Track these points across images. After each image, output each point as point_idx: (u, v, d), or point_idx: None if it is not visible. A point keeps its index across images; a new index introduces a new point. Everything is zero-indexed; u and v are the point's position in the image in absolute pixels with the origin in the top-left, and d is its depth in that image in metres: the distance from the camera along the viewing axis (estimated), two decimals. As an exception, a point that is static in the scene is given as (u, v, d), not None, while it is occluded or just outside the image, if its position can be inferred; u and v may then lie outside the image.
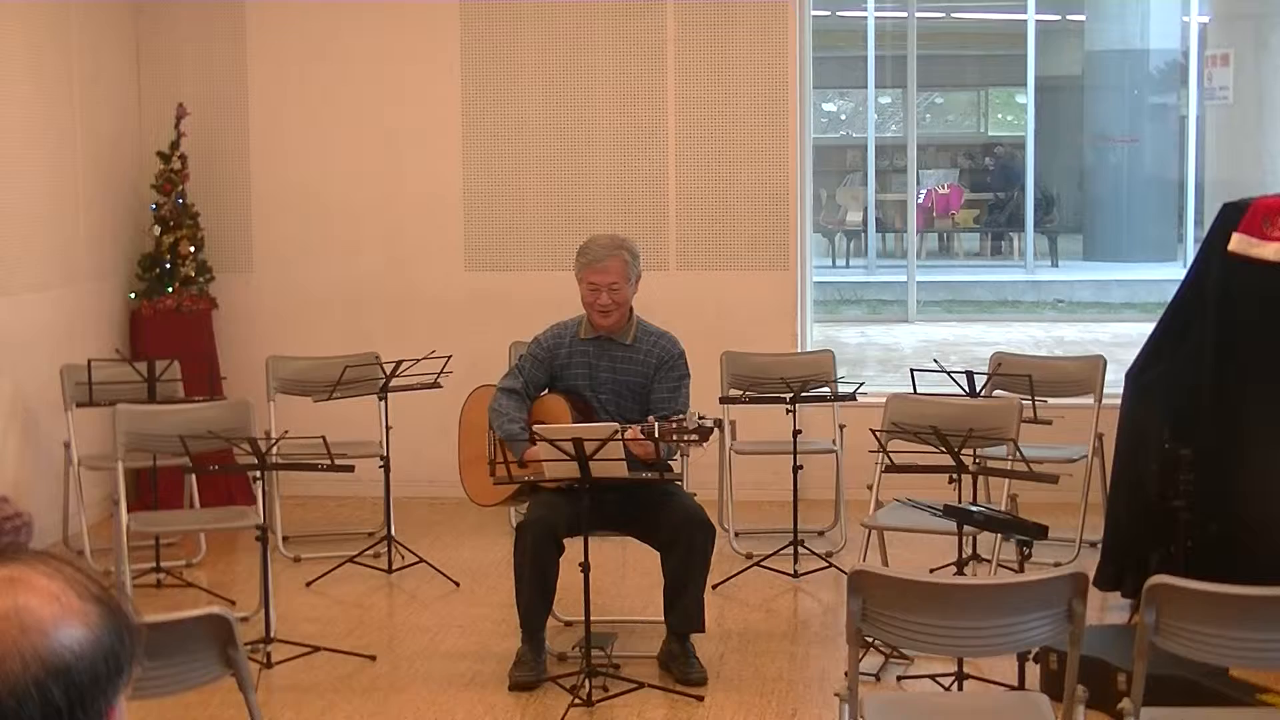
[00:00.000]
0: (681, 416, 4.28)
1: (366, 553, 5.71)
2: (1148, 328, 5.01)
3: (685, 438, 4.22)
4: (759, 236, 6.84)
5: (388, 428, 5.71)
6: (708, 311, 6.74)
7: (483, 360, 6.02)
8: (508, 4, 6.76)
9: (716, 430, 4.30)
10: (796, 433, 5.46)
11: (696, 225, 6.87)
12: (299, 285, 7.01)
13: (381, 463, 5.63)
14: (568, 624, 4.78)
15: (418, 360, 5.62)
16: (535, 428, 4.21)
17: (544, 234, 6.91)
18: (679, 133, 6.81)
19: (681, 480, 4.76)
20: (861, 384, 5.66)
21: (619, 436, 4.05)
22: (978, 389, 5.56)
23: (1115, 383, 5.29)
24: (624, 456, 4.08)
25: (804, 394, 5.51)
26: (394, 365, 5.66)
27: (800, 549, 5.52)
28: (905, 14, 12.52)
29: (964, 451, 4.28)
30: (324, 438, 4.48)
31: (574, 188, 6.88)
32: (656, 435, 4.23)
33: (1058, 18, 15.76)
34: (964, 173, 16.76)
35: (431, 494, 6.59)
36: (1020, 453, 4.35)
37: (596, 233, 4.72)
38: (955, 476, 4.30)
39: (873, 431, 4.64)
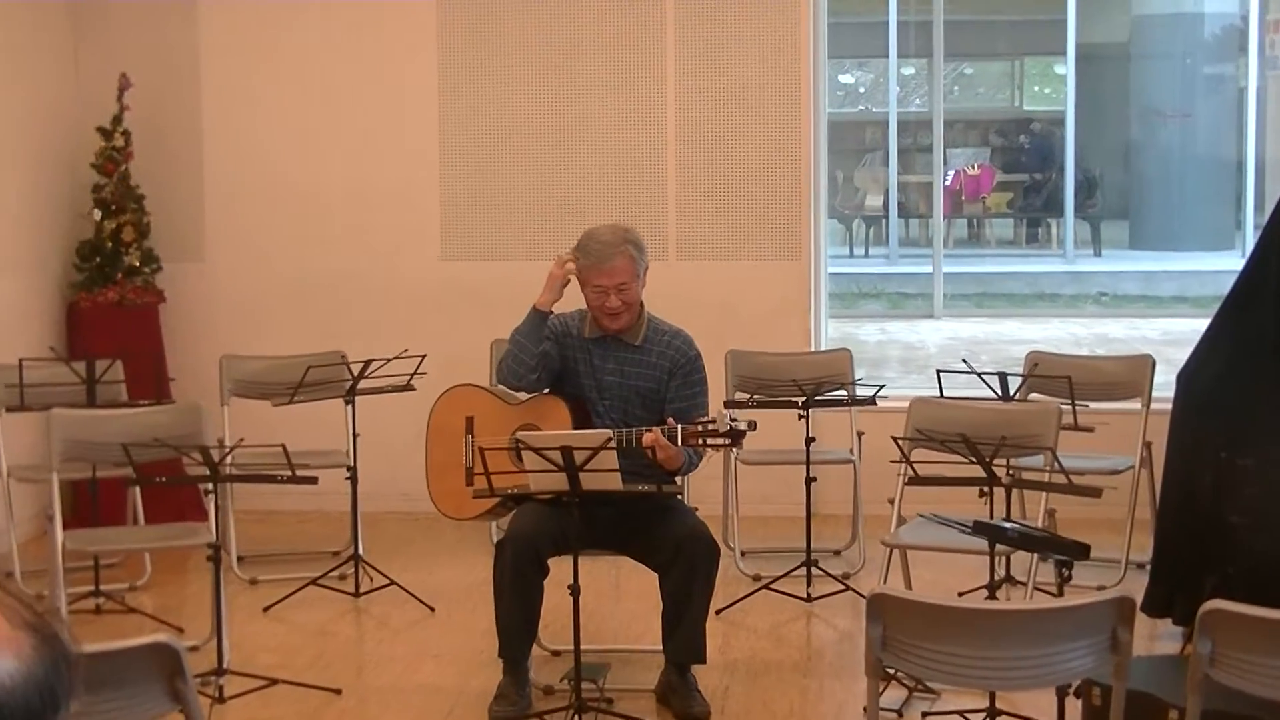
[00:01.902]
0: (708, 418, 4.29)
1: (331, 574, 5.74)
2: (1201, 324, 4.98)
3: (713, 441, 4.22)
4: (768, 223, 6.84)
5: (355, 435, 5.72)
6: (711, 306, 6.74)
7: (460, 360, 6.01)
8: (490, -31, 6.82)
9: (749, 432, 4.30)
10: (810, 441, 5.46)
11: (698, 210, 6.87)
12: (257, 276, 7.01)
13: (348, 474, 5.65)
14: (555, 653, 4.76)
15: (388, 360, 5.62)
16: (520, 435, 4.21)
17: (529, 220, 6.91)
18: (679, 107, 6.82)
19: (681, 494, 4.75)
20: (882, 386, 5.66)
21: (611, 445, 4.04)
22: (1011, 392, 5.58)
23: (1165, 385, 5.31)
24: (617, 467, 4.08)
25: (818, 398, 5.52)
26: (362, 365, 5.66)
27: (814, 570, 5.54)
28: (931, -26, 12.57)
29: (996, 462, 4.28)
30: (284, 446, 4.48)
31: (562, 169, 6.89)
32: (679, 437, 4.23)
33: (1101, -22, 15.82)
34: (996, 152, 16.78)
35: (404, 508, 6.61)
36: (1059, 463, 4.34)
37: (593, 225, 4.69)
38: (986, 490, 4.30)
39: (894, 439, 4.63)
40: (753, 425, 4.28)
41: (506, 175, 6.90)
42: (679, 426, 4.25)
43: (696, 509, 4.57)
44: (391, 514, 6.63)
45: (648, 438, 4.25)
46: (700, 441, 4.26)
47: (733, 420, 4.23)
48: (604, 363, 4.56)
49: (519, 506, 4.47)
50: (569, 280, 4.53)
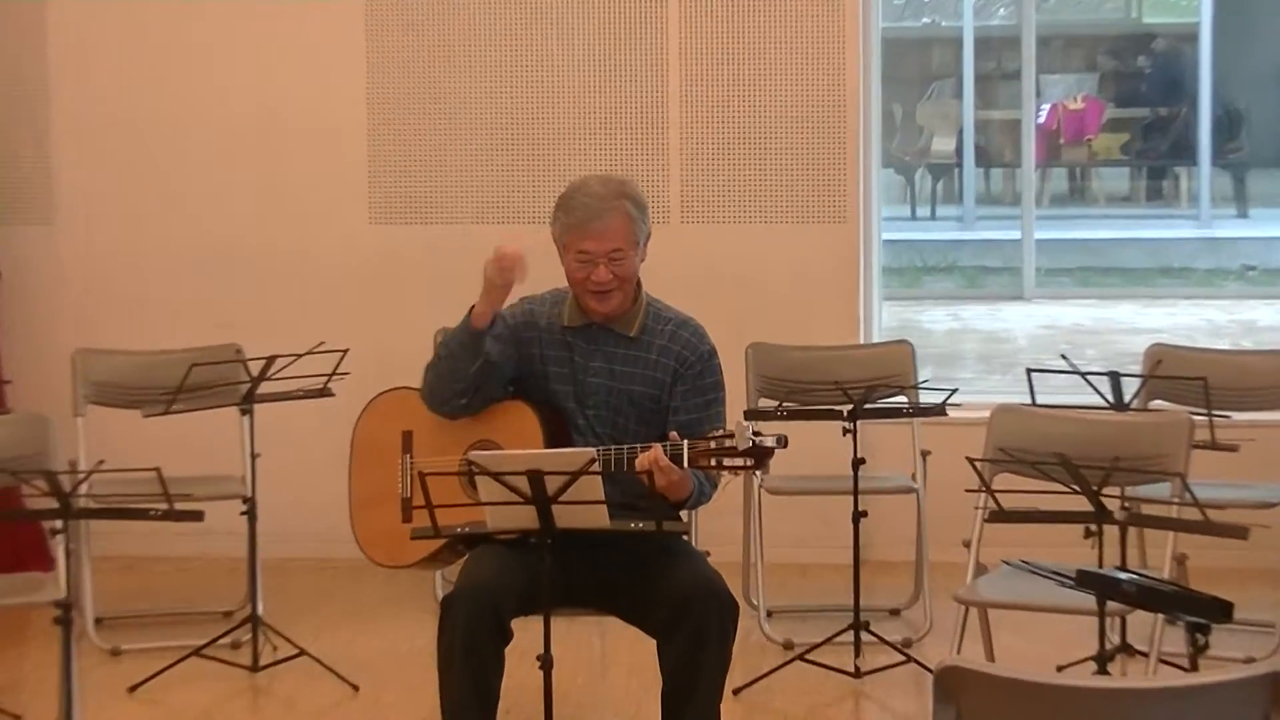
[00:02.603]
0: (722, 432, 4.26)
1: (221, 641, 5.73)
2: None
3: (730, 462, 4.20)
4: (801, 174, 6.86)
5: (254, 456, 5.70)
6: (725, 284, 6.77)
7: (395, 356, 5.96)
8: None
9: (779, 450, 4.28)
10: (858, 463, 5.46)
11: (709, 157, 6.89)
12: (123, 246, 7.04)
13: (245, 507, 5.65)
14: (520, 746, 4.81)
15: (299, 356, 5.61)
16: (473, 455, 4.19)
17: (484, 172, 6.94)
18: (683, 18, 6.86)
19: (688, 533, 4.74)
20: (954, 391, 5.62)
21: (595, 468, 4.03)
22: (1127, 398, 5.60)
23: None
24: (603, 498, 4.06)
25: (869, 406, 5.52)
26: (264, 363, 5.65)
27: (864, 635, 5.53)
28: None
29: (1107, 491, 4.27)
30: (158, 470, 4.45)
31: (527, 106, 6.96)
32: (685, 457, 4.21)
33: None
34: (1106, 78, 16.72)
35: (319, 553, 6.63)
36: (1191, 494, 4.33)
37: (571, 175, 4.68)
38: (1094, 528, 4.29)
39: (971, 461, 4.62)
40: (783, 441, 4.26)
41: (453, 116, 6.96)
42: (685, 443, 4.23)
43: (708, 554, 4.55)
44: (302, 561, 6.65)
45: (644, 458, 4.23)
46: (713, 463, 4.24)
47: (756, 435, 4.21)
48: (588, 360, 4.55)
49: (472, 550, 4.45)
50: (513, 282, 4.49)
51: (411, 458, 4.61)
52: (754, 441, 4.19)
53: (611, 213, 4.48)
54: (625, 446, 4.35)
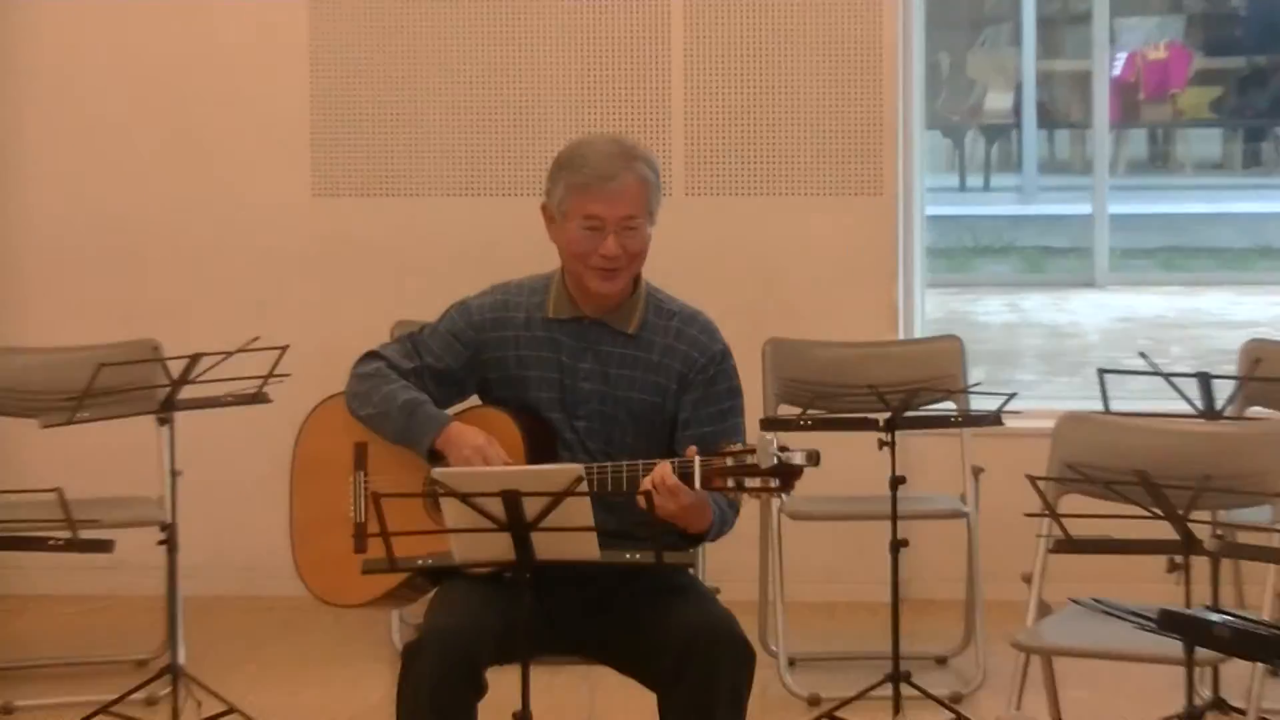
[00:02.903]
0: (740, 446, 4.24)
1: (135, 696, 5.65)
2: None
3: (753, 484, 4.18)
4: (830, 138, 6.86)
5: (175, 473, 5.71)
6: (738, 269, 6.81)
7: (344, 353, 5.77)
8: None
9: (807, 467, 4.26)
10: (897, 482, 5.47)
11: (720, 119, 6.90)
12: (16, 220, 7.02)
13: (163, 536, 5.63)
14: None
15: (228, 354, 5.58)
16: (436, 472, 4.19)
17: (446, 137, 6.95)
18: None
19: (694, 565, 4.74)
20: (1012, 396, 5.62)
21: (580, 488, 4.02)
22: (1219, 404, 5.61)
23: None
24: (592, 524, 4.06)
25: (909, 414, 5.53)
26: (187, 363, 5.62)
27: (904, 688, 5.52)
28: None
29: (1195, 515, 4.27)
30: (59, 492, 4.45)
31: (504, 52, 6.97)
32: (697, 477, 4.19)
33: None
34: (1194, 23, 16.73)
35: (251, 590, 6.64)
36: (1296, 518, 4.34)
37: (548, 138, 4.68)
38: (1179, 560, 4.29)
39: (1032, 480, 4.62)
40: (814, 458, 4.24)
41: (413, 71, 6.97)
42: (696, 460, 4.22)
43: (717, 591, 4.55)
44: (232, 600, 6.65)
45: (654, 475, 4.22)
46: (729, 484, 4.22)
47: (782, 450, 4.20)
48: (577, 361, 4.54)
49: (438, 587, 4.46)
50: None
51: (366, 475, 4.61)
52: (779, 458, 4.17)
53: (626, 172, 4.47)
54: (624, 464, 4.34)
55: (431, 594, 4.48)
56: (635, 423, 4.53)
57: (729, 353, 4.58)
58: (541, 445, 4.48)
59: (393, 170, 7.03)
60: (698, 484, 4.20)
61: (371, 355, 4.64)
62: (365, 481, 4.58)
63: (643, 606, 4.40)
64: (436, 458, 4.43)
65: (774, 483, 4.18)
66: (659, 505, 4.18)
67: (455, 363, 4.59)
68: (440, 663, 4.28)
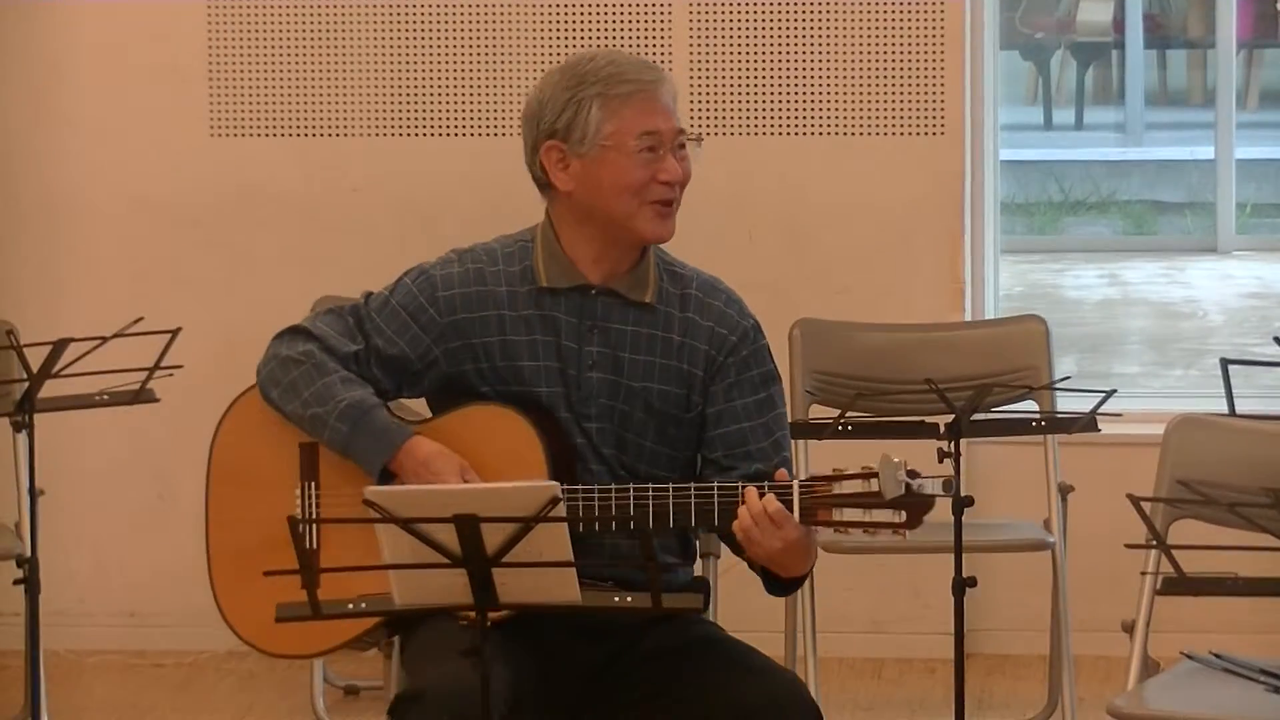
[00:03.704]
0: (861, 471, 4.23)
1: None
2: None
3: (876, 518, 4.18)
4: (877, 63, 6.91)
5: (35, 493, 5.73)
6: (761, 229, 6.83)
7: (253, 339, 5.82)
8: None
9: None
10: (963, 504, 5.47)
11: (735, 40, 6.95)
12: None
13: (21, 573, 5.65)
14: None
15: (103, 340, 5.58)
16: (369, 491, 4.20)
17: (389, 51, 6.99)
18: None
19: (702, 610, 4.76)
20: (1111, 393, 5.60)
21: (557, 511, 4.03)
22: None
23: None
24: (570, 557, 4.06)
25: (978, 417, 5.54)
26: (49, 351, 5.64)
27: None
28: None
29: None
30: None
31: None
32: (796, 506, 4.20)
33: None
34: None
35: (135, 643, 6.67)
36: None
37: (529, 67, 4.68)
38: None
39: (1134, 501, 4.62)
40: (951, 485, 4.26)
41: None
42: (795, 485, 4.23)
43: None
44: (109, 655, 6.67)
45: (750, 503, 4.21)
46: (837, 517, 4.22)
47: (911, 476, 4.18)
48: (581, 343, 4.55)
49: (416, 631, 4.46)
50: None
51: (318, 486, 4.61)
52: (908, 485, 4.17)
53: (666, 82, 4.52)
54: (672, 487, 4.31)
55: (402, 648, 4.49)
56: (655, 423, 4.53)
57: (761, 329, 4.60)
58: (563, 455, 4.47)
59: (313, 106, 7.04)
60: (796, 517, 4.21)
61: (299, 331, 4.62)
62: (318, 494, 4.59)
63: (676, 668, 4.41)
64: (391, 478, 4.44)
65: (901, 517, 4.19)
66: (758, 541, 4.17)
67: (412, 350, 4.56)
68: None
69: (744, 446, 4.38)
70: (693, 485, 4.26)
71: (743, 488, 4.21)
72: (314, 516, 4.35)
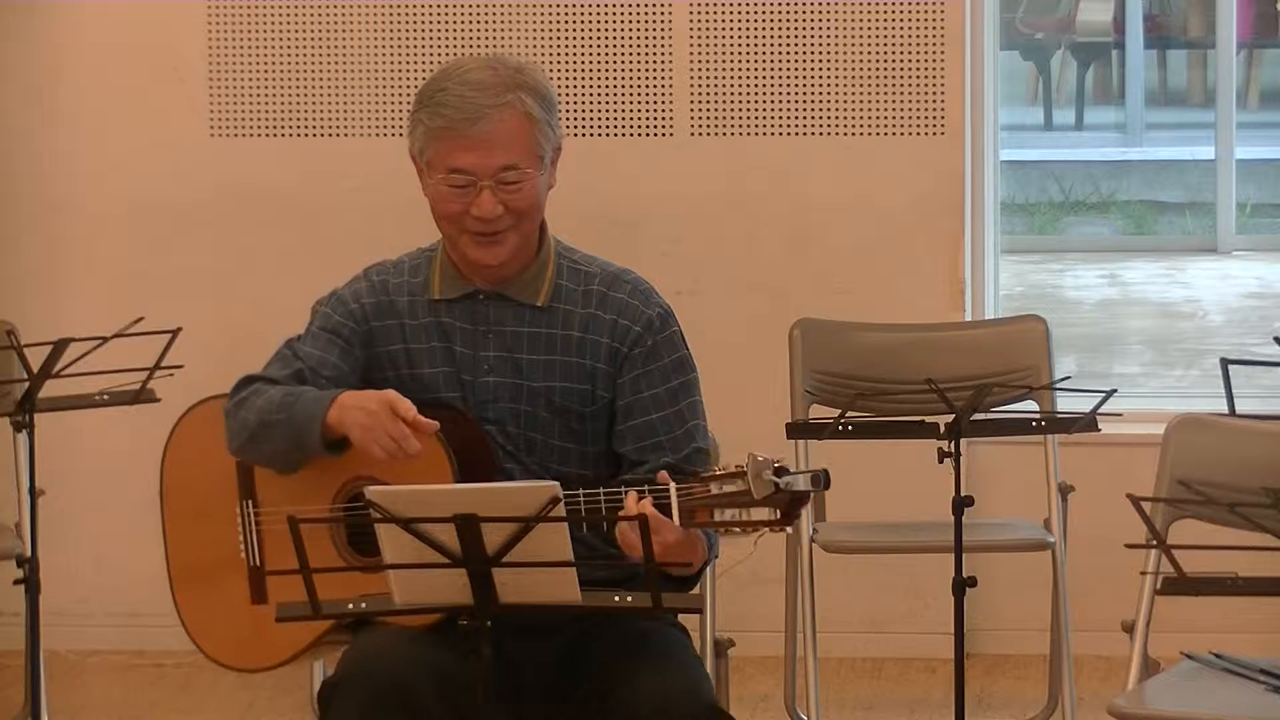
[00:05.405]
0: (730, 468, 4.23)
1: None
2: None
3: (751, 515, 4.18)
4: (876, 61, 6.91)
5: (35, 493, 5.72)
6: (760, 230, 6.83)
7: (251, 338, 5.95)
8: None
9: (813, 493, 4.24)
10: (963, 504, 5.49)
11: (735, 39, 6.94)
12: None
13: (22, 573, 5.65)
14: None
15: (104, 340, 5.58)
16: (370, 491, 4.19)
17: (388, 57, 7.01)
18: None
19: (701, 609, 4.74)
20: (1111, 393, 5.60)
21: (556, 511, 4.03)
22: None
23: None
24: (570, 557, 4.07)
25: (978, 417, 5.54)
26: (49, 350, 5.64)
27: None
28: None
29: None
30: None
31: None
32: (675, 510, 4.19)
33: None
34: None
35: (135, 643, 6.72)
36: None
37: (463, 54, 4.68)
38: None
39: (1134, 501, 4.62)
40: (820, 479, 4.23)
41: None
42: (671, 487, 4.21)
43: (731, 643, 4.58)
44: (110, 656, 6.68)
45: (640, 505, 4.21)
46: (712, 517, 4.22)
47: (779, 472, 4.18)
48: (476, 349, 4.55)
49: (358, 636, 4.45)
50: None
51: (255, 505, 4.61)
52: (778, 484, 4.16)
53: (502, 110, 4.45)
54: (602, 490, 4.32)
55: (356, 638, 4.49)
56: (560, 422, 4.53)
57: (671, 315, 4.58)
58: (477, 460, 4.47)
59: (310, 107, 7.05)
60: (676, 520, 4.18)
61: (244, 381, 4.63)
62: (255, 512, 4.58)
63: (612, 670, 4.40)
64: (336, 448, 4.43)
65: (777, 513, 4.17)
66: (635, 546, 4.15)
67: (345, 363, 4.58)
68: (365, 693, 4.26)
69: (654, 438, 4.38)
70: (581, 489, 4.20)
71: (625, 492, 4.17)
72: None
